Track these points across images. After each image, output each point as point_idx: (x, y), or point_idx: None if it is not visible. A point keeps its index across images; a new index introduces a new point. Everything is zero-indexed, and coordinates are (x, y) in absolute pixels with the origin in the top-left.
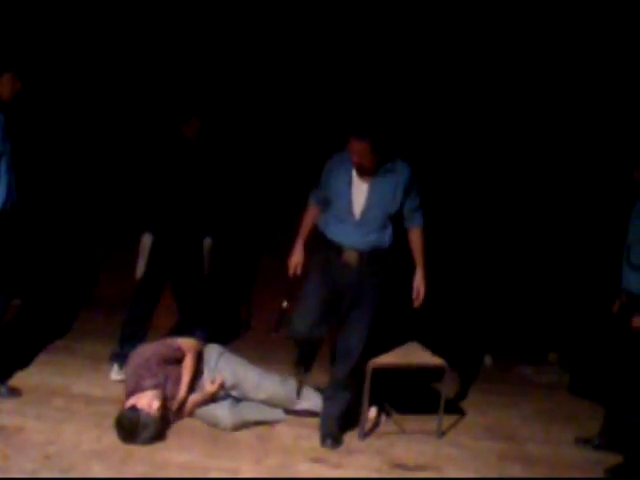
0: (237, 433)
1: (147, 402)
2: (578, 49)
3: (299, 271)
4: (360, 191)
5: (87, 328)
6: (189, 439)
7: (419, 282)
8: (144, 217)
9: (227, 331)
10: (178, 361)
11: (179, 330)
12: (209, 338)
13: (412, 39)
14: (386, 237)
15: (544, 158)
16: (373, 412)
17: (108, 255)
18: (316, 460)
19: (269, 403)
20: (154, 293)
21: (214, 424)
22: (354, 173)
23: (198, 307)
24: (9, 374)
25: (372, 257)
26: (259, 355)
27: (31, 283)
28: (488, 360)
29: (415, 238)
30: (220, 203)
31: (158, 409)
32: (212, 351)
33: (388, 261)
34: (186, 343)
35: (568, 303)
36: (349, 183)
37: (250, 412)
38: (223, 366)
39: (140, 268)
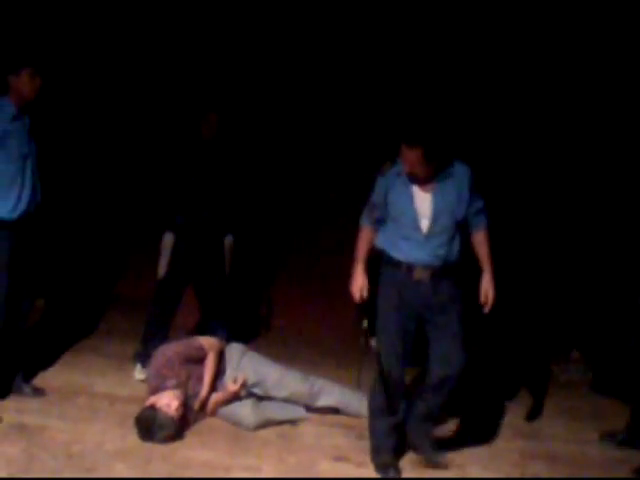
0: (259, 432)
1: (166, 401)
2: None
3: (365, 294)
4: (424, 204)
5: (110, 327)
6: (212, 437)
7: (487, 285)
8: (166, 216)
9: (248, 330)
10: (200, 360)
11: (201, 329)
12: (230, 337)
13: (458, 38)
14: (455, 248)
15: (570, 157)
16: None
17: (130, 254)
18: (339, 458)
19: (291, 400)
20: (176, 292)
21: (237, 423)
22: (414, 186)
23: (219, 306)
24: (33, 374)
25: (444, 271)
26: (280, 354)
27: (55, 283)
28: (575, 354)
29: (480, 240)
30: (241, 201)
31: (177, 409)
32: (234, 350)
33: (459, 272)
34: (208, 342)
35: (591, 300)
36: (411, 197)
37: (273, 411)
38: (245, 365)
39: (162, 267)
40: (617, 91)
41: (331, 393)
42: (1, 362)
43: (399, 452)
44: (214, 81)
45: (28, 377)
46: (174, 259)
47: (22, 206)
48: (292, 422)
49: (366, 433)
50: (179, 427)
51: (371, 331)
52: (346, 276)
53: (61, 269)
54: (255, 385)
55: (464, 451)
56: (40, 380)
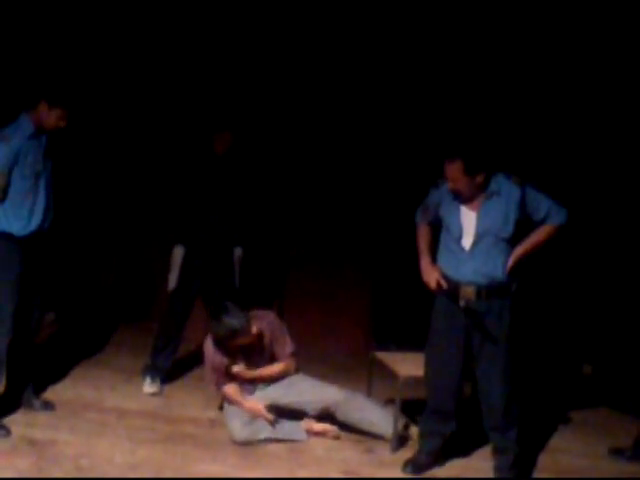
0: (269, 445)
1: (257, 325)
2: None
3: (440, 282)
4: (469, 220)
5: (120, 341)
6: (222, 451)
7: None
8: (175, 230)
9: None
10: (274, 358)
11: None
12: None
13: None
14: (504, 267)
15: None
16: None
17: (140, 268)
18: (348, 472)
19: (321, 406)
20: (186, 305)
21: (229, 432)
22: (461, 204)
23: None
24: (43, 387)
25: (492, 291)
26: None
27: (65, 297)
28: (587, 368)
29: (539, 229)
30: (250, 214)
31: (257, 332)
32: None
33: (510, 293)
34: (293, 358)
35: (603, 314)
36: (457, 214)
37: (265, 430)
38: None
39: (172, 280)
40: None
41: (363, 410)
42: (11, 376)
43: (434, 456)
44: (228, 98)
45: (38, 391)
46: (184, 272)
47: (34, 223)
48: (288, 442)
49: (375, 447)
50: (245, 329)
51: (377, 341)
52: (354, 291)
53: (71, 283)
54: (287, 400)
55: (472, 465)
56: (50, 394)
